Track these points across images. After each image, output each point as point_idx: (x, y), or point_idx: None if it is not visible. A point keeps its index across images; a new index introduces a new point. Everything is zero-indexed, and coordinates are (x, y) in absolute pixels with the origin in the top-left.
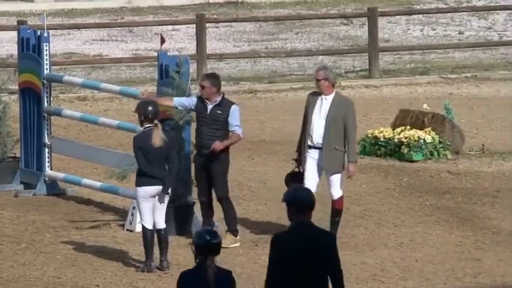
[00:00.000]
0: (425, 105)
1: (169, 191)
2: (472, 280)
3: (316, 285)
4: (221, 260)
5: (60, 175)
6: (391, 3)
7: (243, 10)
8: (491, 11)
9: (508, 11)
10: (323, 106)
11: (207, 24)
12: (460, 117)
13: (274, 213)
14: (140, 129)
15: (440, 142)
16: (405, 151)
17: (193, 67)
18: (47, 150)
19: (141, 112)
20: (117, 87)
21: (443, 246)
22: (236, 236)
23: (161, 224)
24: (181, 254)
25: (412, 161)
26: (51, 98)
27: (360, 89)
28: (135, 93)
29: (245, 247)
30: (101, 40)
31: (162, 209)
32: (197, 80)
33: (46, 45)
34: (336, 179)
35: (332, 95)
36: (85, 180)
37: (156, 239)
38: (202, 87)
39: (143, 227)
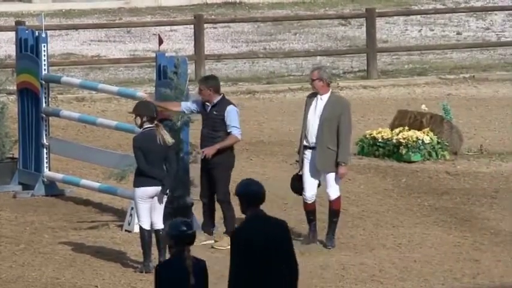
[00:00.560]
0: (423, 106)
1: (168, 191)
2: (471, 281)
3: (278, 273)
4: (218, 261)
5: (59, 176)
6: (389, 4)
7: (241, 11)
8: (489, 12)
9: (506, 12)
10: (318, 106)
11: (205, 25)
12: (458, 118)
13: (272, 214)
14: (139, 130)
15: (438, 143)
16: (403, 152)
17: (191, 68)
18: (45, 150)
19: (142, 113)
20: (115, 88)
21: (441, 247)
22: None
23: (159, 225)
24: None
25: (410, 162)
26: (49, 99)
27: (358, 89)
28: (133, 94)
29: None
30: (98, 41)
31: (160, 210)
32: (195, 80)
33: (44, 45)
34: (332, 179)
35: (327, 95)
36: (83, 181)
37: (154, 240)
38: (200, 90)
39: (141, 228)
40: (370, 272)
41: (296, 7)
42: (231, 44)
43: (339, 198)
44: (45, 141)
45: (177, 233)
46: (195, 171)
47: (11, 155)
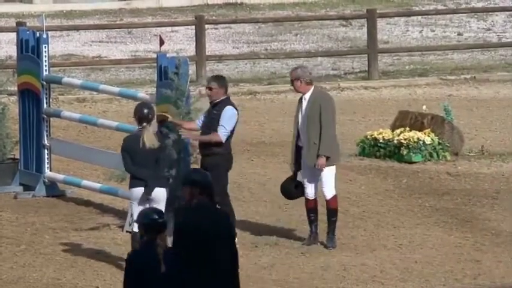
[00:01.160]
0: (424, 107)
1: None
2: (472, 281)
3: (223, 265)
4: None
5: (60, 176)
6: (390, 5)
7: (242, 11)
8: (490, 13)
9: (507, 13)
10: (303, 105)
11: (206, 26)
12: (459, 119)
13: (274, 215)
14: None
15: (439, 143)
16: (404, 152)
17: (192, 68)
18: (46, 151)
19: (134, 114)
20: (116, 89)
21: (442, 248)
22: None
23: None
24: None
25: (411, 163)
26: (50, 100)
27: (359, 90)
28: (134, 95)
29: (244, 248)
30: (100, 41)
31: None
32: (196, 81)
33: (45, 46)
34: (326, 178)
35: (309, 93)
36: (84, 182)
37: None
38: (210, 89)
39: (133, 231)
40: (371, 273)
41: (297, 8)
42: (232, 44)
43: (335, 197)
44: (46, 142)
45: (148, 221)
46: None
47: (12, 156)
